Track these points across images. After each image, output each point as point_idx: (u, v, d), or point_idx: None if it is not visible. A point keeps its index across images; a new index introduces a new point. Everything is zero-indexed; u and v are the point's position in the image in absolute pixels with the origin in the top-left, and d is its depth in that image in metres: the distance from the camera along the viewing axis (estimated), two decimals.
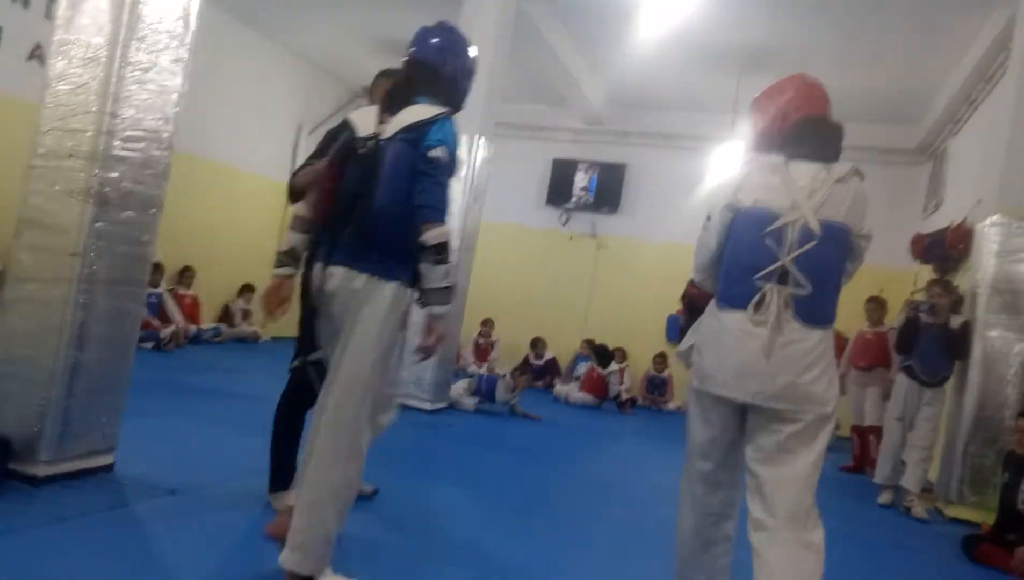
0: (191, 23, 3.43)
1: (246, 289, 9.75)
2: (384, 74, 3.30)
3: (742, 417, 2.42)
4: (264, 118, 9.97)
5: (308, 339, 2.96)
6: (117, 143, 3.14)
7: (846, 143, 8.37)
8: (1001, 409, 5.20)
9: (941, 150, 8.56)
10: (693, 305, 2.68)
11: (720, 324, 2.39)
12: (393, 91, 2.59)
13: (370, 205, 2.36)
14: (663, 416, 8.94)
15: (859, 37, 7.03)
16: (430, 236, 2.33)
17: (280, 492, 3.08)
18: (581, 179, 10.47)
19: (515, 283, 10.55)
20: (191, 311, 8.73)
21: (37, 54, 6.55)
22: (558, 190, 10.59)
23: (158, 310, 8.15)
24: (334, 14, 8.51)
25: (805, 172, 2.38)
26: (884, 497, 5.47)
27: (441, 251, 2.35)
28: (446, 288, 2.40)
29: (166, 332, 7.88)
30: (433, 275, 2.37)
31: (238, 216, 9.67)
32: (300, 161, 10.41)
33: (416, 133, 2.41)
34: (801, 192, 2.34)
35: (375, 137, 2.45)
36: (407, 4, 7.71)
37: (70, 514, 2.80)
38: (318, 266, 2.48)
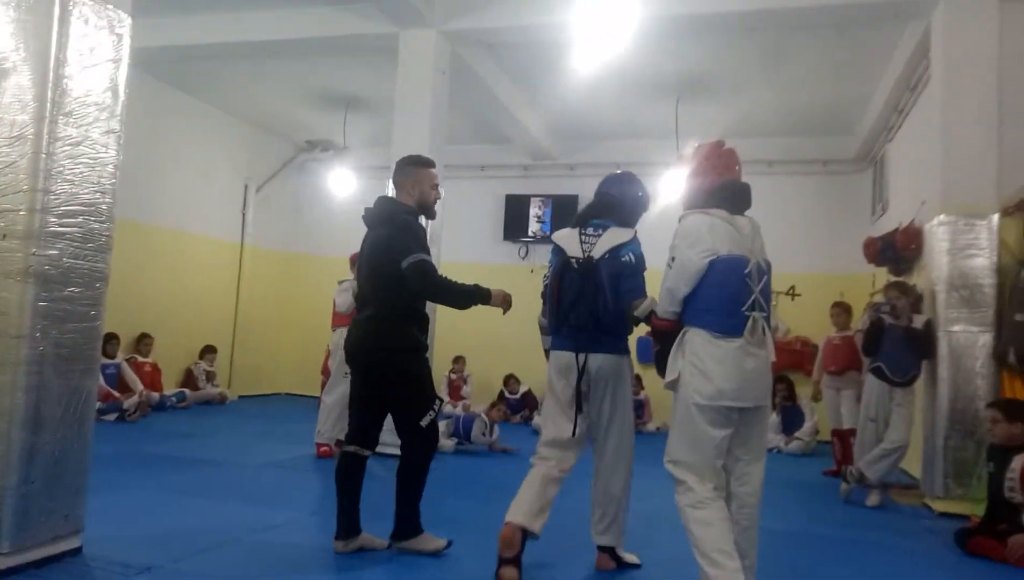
0: (120, 94, 3.33)
1: (208, 350, 9.54)
2: None
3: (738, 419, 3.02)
4: (211, 180, 9.86)
5: (433, 394, 3.65)
6: (53, 219, 3.03)
7: (791, 157, 8.65)
8: (974, 401, 5.28)
9: (880, 157, 8.82)
10: (665, 335, 3.12)
11: (722, 350, 2.93)
12: (584, 216, 3.63)
13: (597, 304, 3.35)
14: (643, 438, 8.81)
15: (787, 56, 7.24)
16: (640, 309, 3.29)
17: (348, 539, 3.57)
18: (535, 212, 10.52)
19: (482, 320, 10.42)
20: (152, 378, 8.50)
21: None
22: (514, 225, 10.62)
23: (117, 380, 7.91)
24: (270, 73, 8.49)
25: (743, 223, 3.09)
26: (872, 499, 5.48)
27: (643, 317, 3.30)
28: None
29: (129, 402, 7.65)
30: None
31: (193, 279, 9.48)
32: (251, 220, 10.45)
33: (618, 251, 3.41)
34: (746, 239, 3.04)
35: (588, 257, 3.43)
36: (343, 56, 7.75)
37: None
38: (568, 354, 3.44)
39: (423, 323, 3.69)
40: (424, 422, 3.55)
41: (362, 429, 3.62)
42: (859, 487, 5.55)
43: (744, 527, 3.01)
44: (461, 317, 10.31)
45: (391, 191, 6.70)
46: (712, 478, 2.95)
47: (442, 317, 7.43)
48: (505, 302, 3.81)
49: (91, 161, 3.17)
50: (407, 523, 3.63)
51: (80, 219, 3.13)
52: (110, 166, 3.28)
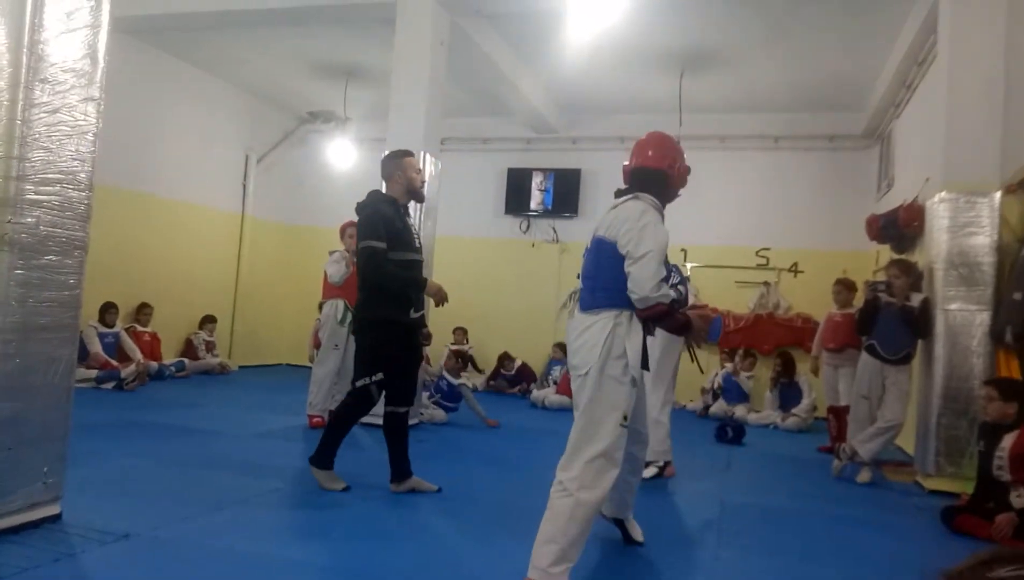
0: (100, 61, 3.27)
1: (208, 320, 9.58)
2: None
3: None
4: (213, 151, 9.84)
5: (374, 365, 4.07)
6: (29, 187, 2.98)
7: (796, 133, 8.41)
8: (969, 379, 5.23)
9: (887, 133, 8.68)
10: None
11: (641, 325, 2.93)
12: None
13: None
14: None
15: (793, 29, 7.10)
16: None
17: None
18: (537, 186, 10.44)
19: (483, 295, 10.48)
20: (151, 348, 8.54)
21: None
22: (515, 199, 10.55)
23: (116, 350, 7.96)
24: (270, 44, 8.42)
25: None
26: (863, 476, 5.47)
27: None
28: None
29: (127, 371, 7.69)
30: None
31: (193, 249, 9.49)
32: (252, 191, 10.44)
33: None
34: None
35: None
36: (343, 26, 7.65)
37: (9, 572, 2.63)
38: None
39: (393, 299, 4.05)
40: (357, 384, 4.09)
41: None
42: (851, 464, 5.53)
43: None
44: (460, 294, 10.39)
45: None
46: None
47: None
48: (438, 294, 4.14)
49: (69, 129, 3.13)
50: (320, 452, 4.20)
51: (57, 187, 3.09)
52: (89, 134, 3.23)
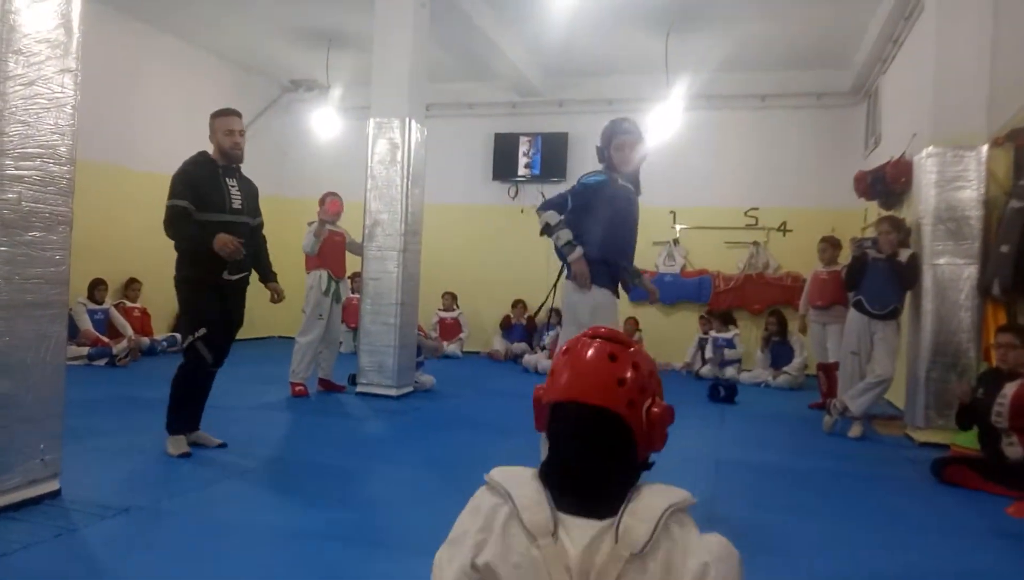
0: (74, 31, 3.20)
1: None
2: None
3: None
4: (195, 123, 9.50)
5: (193, 321, 4.09)
6: (8, 162, 2.93)
7: (784, 91, 8.43)
8: (957, 333, 5.29)
9: (874, 89, 8.65)
10: None
11: None
12: None
13: None
14: None
15: None
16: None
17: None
18: (524, 151, 10.36)
19: (473, 262, 10.47)
20: (142, 323, 8.49)
21: None
22: (503, 164, 10.47)
23: (106, 326, 7.92)
24: (250, 11, 8.24)
25: None
26: (854, 431, 5.54)
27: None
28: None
29: (119, 347, 7.65)
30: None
31: None
32: None
33: None
34: None
35: None
36: None
37: (12, 548, 2.64)
38: None
39: (201, 259, 4.04)
40: (184, 344, 4.13)
41: None
42: (842, 419, 5.61)
43: None
44: (450, 261, 10.37)
45: (371, 130, 6.64)
46: None
47: (429, 262, 7.38)
48: (225, 247, 3.97)
49: (46, 101, 3.07)
50: (168, 417, 4.21)
51: (38, 162, 3.04)
52: (68, 107, 3.17)
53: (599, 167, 3.95)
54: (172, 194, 4.06)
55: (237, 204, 4.18)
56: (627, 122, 3.95)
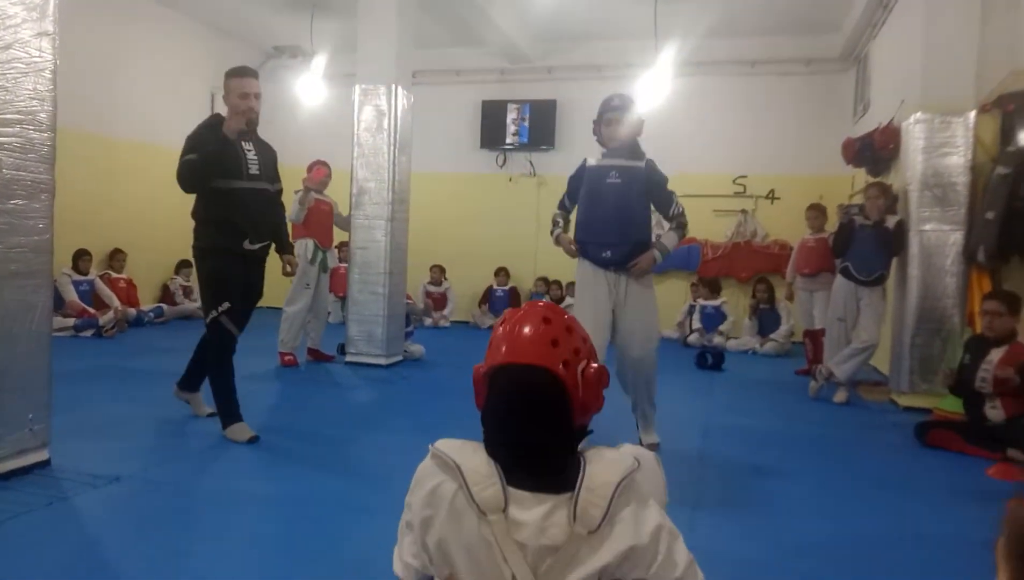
0: None
1: (184, 265, 9.45)
2: None
3: None
4: (177, 90, 9.53)
5: (216, 295, 3.87)
6: None
7: (773, 57, 8.43)
8: (942, 298, 5.34)
9: (863, 55, 8.61)
10: None
11: None
12: None
13: None
14: None
15: None
16: None
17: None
18: (512, 119, 10.27)
19: (461, 231, 10.42)
20: (128, 294, 8.45)
21: None
22: (491, 132, 10.37)
23: (91, 298, 7.86)
24: None
25: None
26: (839, 396, 5.61)
27: None
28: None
29: (105, 318, 7.61)
30: None
31: (164, 193, 9.14)
32: None
33: None
34: None
35: None
36: None
37: (3, 516, 2.64)
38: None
39: (221, 227, 3.84)
40: (207, 319, 3.93)
41: None
42: (828, 385, 5.67)
43: None
44: (437, 230, 10.31)
45: (357, 97, 6.56)
46: None
47: (416, 231, 7.33)
48: (230, 125, 3.77)
49: (24, 66, 3.00)
50: (188, 377, 4.30)
51: (17, 128, 2.98)
52: (46, 72, 3.11)
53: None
54: (181, 155, 3.78)
55: (254, 169, 3.92)
56: (616, 98, 4.00)
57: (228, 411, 3.94)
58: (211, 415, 4.20)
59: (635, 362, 3.91)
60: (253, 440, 3.84)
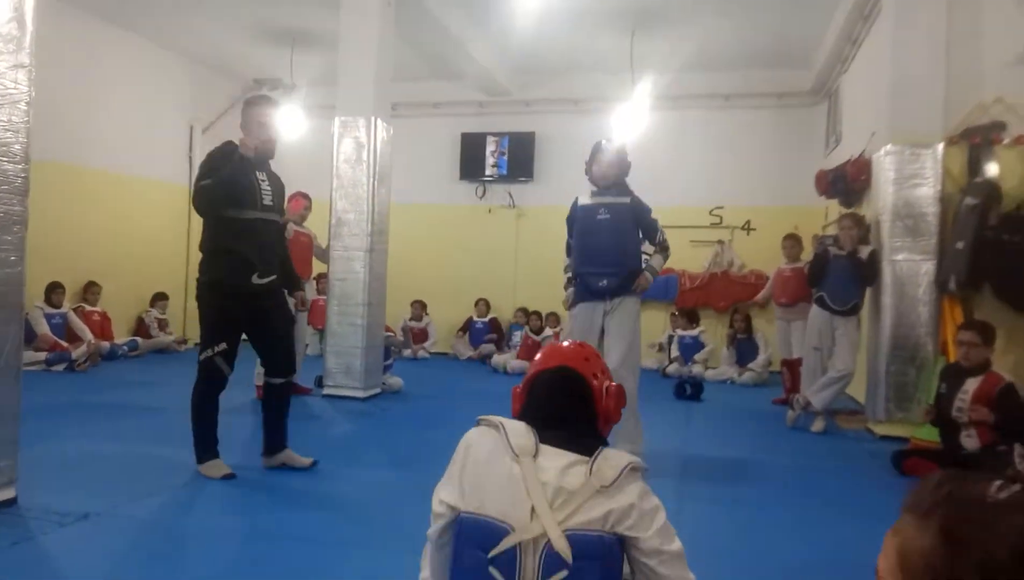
0: (27, 24, 3.11)
1: (159, 298, 9.35)
2: None
3: None
4: (155, 121, 9.50)
5: (214, 335, 3.70)
6: None
7: (746, 91, 8.72)
8: (916, 327, 5.40)
9: (834, 89, 8.81)
10: None
11: None
12: None
13: None
14: None
15: None
16: None
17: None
18: (492, 151, 10.35)
19: (441, 262, 10.42)
20: (101, 327, 8.31)
21: None
22: (470, 164, 10.44)
23: (64, 331, 7.73)
24: (212, 9, 8.11)
25: None
26: (817, 425, 5.63)
27: None
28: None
29: (78, 352, 7.48)
30: None
31: (139, 224, 9.21)
32: (197, 162, 10.11)
33: None
34: None
35: None
36: None
37: None
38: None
39: (229, 261, 3.68)
40: (201, 357, 3.77)
41: None
42: (805, 414, 5.70)
43: None
44: (417, 261, 10.28)
45: (336, 129, 6.58)
46: None
47: (396, 263, 7.32)
48: (251, 147, 3.66)
49: None
50: (268, 439, 4.03)
51: None
52: (22, 104, 3.09)
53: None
54: (197, 179, 3.66)
55: (268, 200, 3.77)
56: (603, 142, 4.60)
57: (205, 447, 3.81)
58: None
59: (612, 372, 4.19)
60: (229, 477, 3.73)
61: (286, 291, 4.14)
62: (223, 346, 3.72)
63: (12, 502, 3.12)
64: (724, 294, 9.50)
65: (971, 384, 4.27)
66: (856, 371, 5.66)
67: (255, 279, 3.72)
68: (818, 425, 5.62)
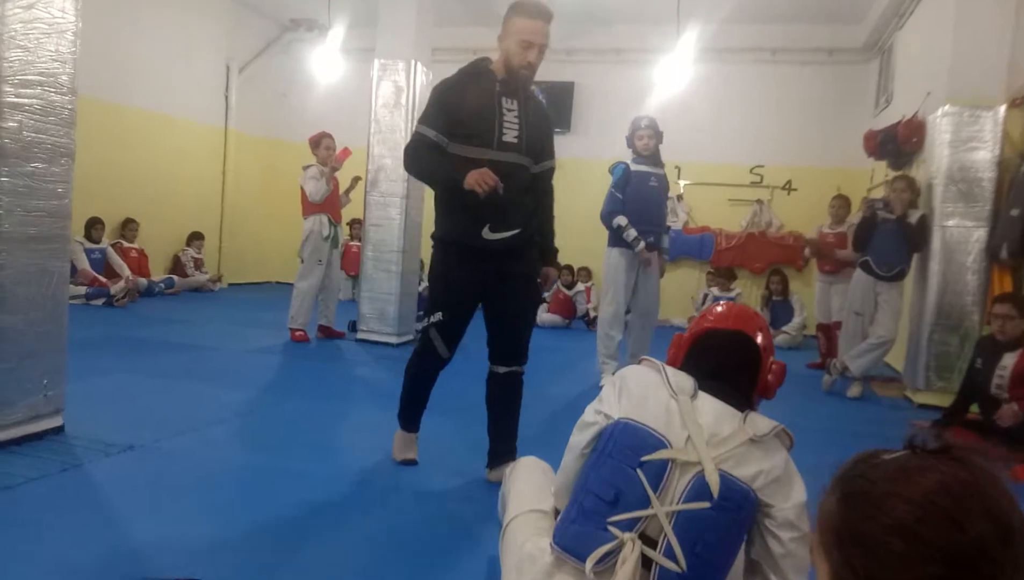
0: None
1: (195, 237, 9.44)
2: None
3: None
4: (191, 61, 9.45)
5: (431, 301, 3.08)
6: (8, 89, 2.82)
7: (795, 45, 8.51)
8: (962, 296, 5.27)
9: (888, 46, 8.47)
10: None
11: None
12: None
13: None
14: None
15: None
16: None
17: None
18: None
19: None
20: (139, 264, 8.43)
21: None
22: None
23: (103, 266, 7.85)
24: None
25: None
26: (853, 390, 5.56)
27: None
28: None
29: (116, 287, 7.59)
30: None
31: (176, 163, 9.24)
32: (234, 103, 10.10)
33: None
34: None
35: None
36: None
37: (17, 481, 2.63)
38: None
39: (453, 211, 3.00)
40: (418, 327, 3.28)
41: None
42: (842, 379, 5.62)
43: None
44: None
45: (376, 73, 6.48)
46: None
47: (432, 211, 7.26)
48: (480, 183, 2.75)
49: (47, 27, 2.95)
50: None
51: (38, 90, 2.94)
52: (69, 33, 3.06)
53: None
54: (421, 118, 3.01)
55: (510, 137, 2.94)
56: (645, 119, 5.27)
57: (404, 416, 3.27)
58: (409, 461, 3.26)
59: (644, 313, 5.36)
60: (409, 462, 3.21)
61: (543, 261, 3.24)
62: (439, 316, 3.03)
63: (59, 430, 3.19)
64: (761, 255, 9.35)
65: (1008, 359, 4.14)
66: (896, 338, 5.56)
67: (486, 233, 2.94)
68: (854, 390, 5.55)
